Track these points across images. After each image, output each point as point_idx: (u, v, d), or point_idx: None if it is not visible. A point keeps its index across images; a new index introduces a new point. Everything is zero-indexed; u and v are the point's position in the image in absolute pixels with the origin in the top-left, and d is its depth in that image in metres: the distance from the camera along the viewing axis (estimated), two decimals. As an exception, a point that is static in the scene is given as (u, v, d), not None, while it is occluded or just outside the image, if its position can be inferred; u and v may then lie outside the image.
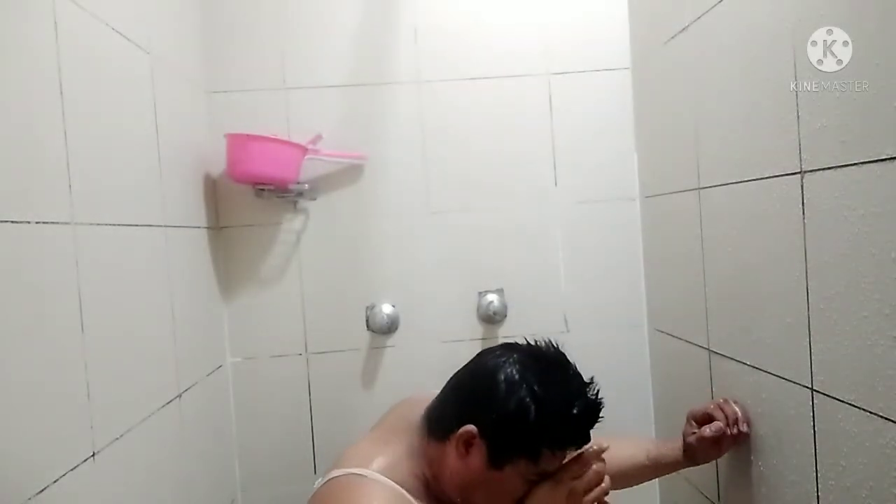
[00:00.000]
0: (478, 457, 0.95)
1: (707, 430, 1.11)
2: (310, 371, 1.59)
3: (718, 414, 1.13)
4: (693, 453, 1.15)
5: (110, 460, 0.95)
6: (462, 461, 0.96)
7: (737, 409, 1.13)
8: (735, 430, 1.11)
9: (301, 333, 1.59)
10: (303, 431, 1.59)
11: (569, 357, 1.04)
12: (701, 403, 1.18)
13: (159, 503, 1.13)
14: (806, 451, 0.98)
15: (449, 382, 1.05)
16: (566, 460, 0.99)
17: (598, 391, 1.00)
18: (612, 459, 1.15)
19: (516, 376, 0.96)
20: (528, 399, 0.94)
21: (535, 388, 0.95)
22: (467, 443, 0.96)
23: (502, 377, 0.96)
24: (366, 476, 0.94)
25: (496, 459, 0.95)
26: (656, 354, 1.60)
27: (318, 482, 1.00)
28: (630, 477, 1.20)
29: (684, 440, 1.16)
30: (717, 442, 1.12)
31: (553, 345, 1.03)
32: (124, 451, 1.00)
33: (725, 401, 1.16)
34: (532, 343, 1.03)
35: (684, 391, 1.43)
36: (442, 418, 1.00)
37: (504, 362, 0.98)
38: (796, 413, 0.99)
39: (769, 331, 1.06)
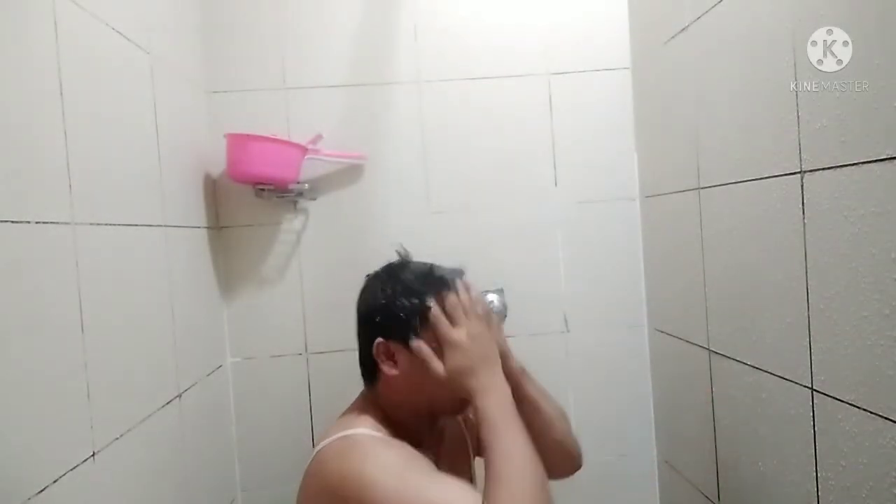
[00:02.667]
0: (402, 357, 1.04)
1: None
2: (310, 371, 1.59)
3: None
4: None
5: (110, 460, 0.95)
6: (399, 369, 1.04)
7: None
8: None
9: (301, 333, 1.59)
10: (303, 431, 1.59)
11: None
12: None
13: (159, 503, 1.13)
14: (806, 451, 0.98)
15: None
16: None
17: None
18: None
19: (373, 282, 1.12)
20: (385, 287, 1.08)
21: (385, 279, 1.10)
22: (387, 354, 1.05)
23: (363, 297, 1.12)
24: (357, 432, 1.01)
25: (409, 346, 1.03)
26: (656, 354, 1.60)
27: (315, 452, 1.05)
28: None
29: None
30: None
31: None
32: (124, 451, 1.00)
33: None
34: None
35: (684, 391, 1.43)
36: (362, 363, 1.10)
37: (360, 292, 1.13)
38: (796, 413, 0.99)
39: (769, 331, 1.06)
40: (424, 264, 1.11)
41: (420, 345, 1.02)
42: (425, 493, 0.89)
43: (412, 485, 0.90)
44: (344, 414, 1.11)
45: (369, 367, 1.09)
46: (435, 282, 1.06)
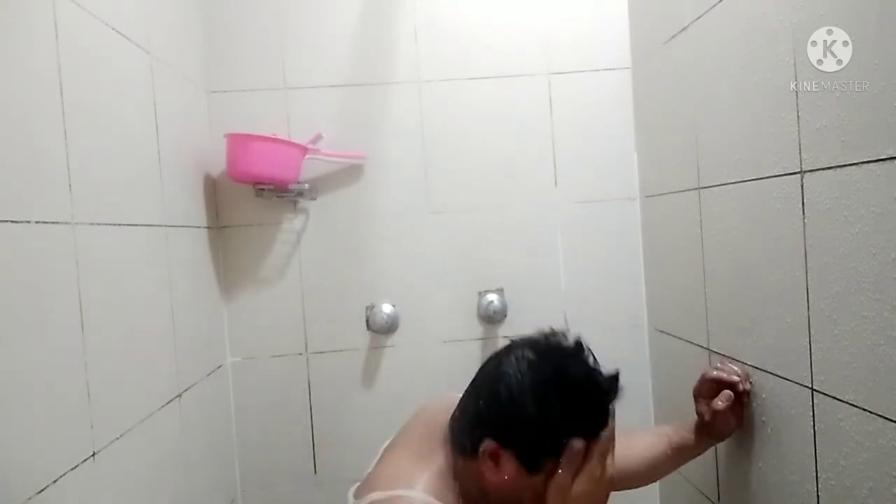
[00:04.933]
0: (510, 467, 0.88)
1: (719, 403, 1.10)
2: (310, 371, 1.59)
3: (722, 375, 1.12)
4: (711, 430, 1.13)
5: (110, 460, 0.95)
6: (498, 475, 0.89)
7: (734, 367, 1.13)
8: (744, 387, 1.10)
9: (301, 333, 1.59)
10: (303, 431, 1.59)
11: (572, 337, 0.98)
12: (699, 378, 1.16)
13: (159, 503, 1.13)
14: (806, 451, 0.97)
15: (466, 391, 0.99)
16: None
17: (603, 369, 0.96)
18: (635, 454, 1.16)
19: (520, 377, 0.90)
20: (521, 386, 0.89)
21: (542, 383, 0.89)
22: (493, 456, 0.89)
23: (507, 382, 0.90)
24: (414, 498, 0.87)
25: (530, 464, 0.88)
26: (656, 354, 1.60)
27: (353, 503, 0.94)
28: (656, 468, 1.19)
29: (702, 420, 1.14)
30: (731, 411, 1.11)
31: (555, 332, 0.97)
32: (124, 451, 1.00)
33: (722, 362, 1.16)
34: (535, 336, 0.97)
35: (684, 391, 1.42)
36: (463, 432, 0.94)
37: (506, 364, 0.92)
38: (796, 413, 0.99)
39: (769, 331, 1.06)
40: (588, 371, 0.93)
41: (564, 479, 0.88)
42: None
43: None
44: (412, 453, 0.96)
45: (467, 443, 0.91)
46: (596, 411, 0.91)
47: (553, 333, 0.96)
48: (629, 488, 1.21)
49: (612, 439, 0.92)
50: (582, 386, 0.90)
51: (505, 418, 0.89)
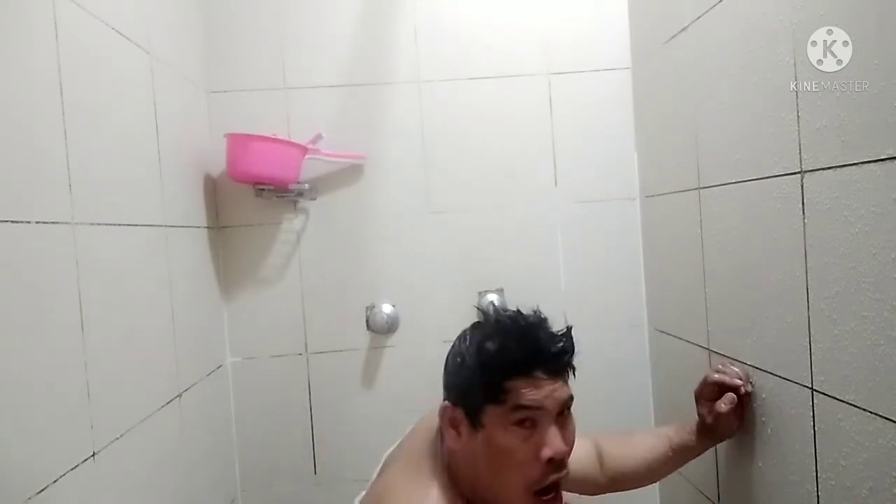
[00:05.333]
0: (464, 428, 0.91)
1: (722, 406, 1.09)
2: (310, 371, 1.59)
3: (725, 379, 1.12)
4: (713, 432, 1.14)
5: (110, 460, 0.95)
6: (458, 443, 0.92)
7: (736, 368, 1.13)
8: (745, 390, 1.10)
9: (301, 333, 1.59)
10: (303, 431, 1.59)
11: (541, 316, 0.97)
12: (700, 380, 1.16)
13: (159, 503, 1.13)
14: (806, 451, 0.97)
15: None
16: (540, 394, 0.90)
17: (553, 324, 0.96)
18: (636, 456, 1.17)
19: (460, 339, 0.97)
20: (464, 347, 0.94)
21: (470, 336, 0.95)
22: (451, 421, 0.93)
23: (452, 347, 0.98)
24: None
25: (473, 420, 0.90)
26: (656, 354, 1.60)
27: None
28: (656, 470, 1.19)
29: (703, 422, 1.14)
30: (734, 413, 1.11)
31: (509, 309, 0.98)
32: (124, 451, 1.00)
33: (724, 364, 1.15)
34: (496, 313, 0.99)
35: (684, 391, 1.42)
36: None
37: (458, 338, 0.98)
38: (796, 413, 0.99)
39: (769, 331, 1.06)
40: (516, 321, 0.94)
41: (495, 429, 0.89)
42: None
43: None
44: (414, 457, 0.98)
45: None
46: (525, 352, 0.91)
47: (508, 311, 0.98)
48: (630, 489, 1.21)
49: (521, 415, 0.88)
50: (505, 333, 0.93)
51: (449, 376, 0.96)
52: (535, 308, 0.96)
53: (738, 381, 1.10)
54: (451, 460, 0.95)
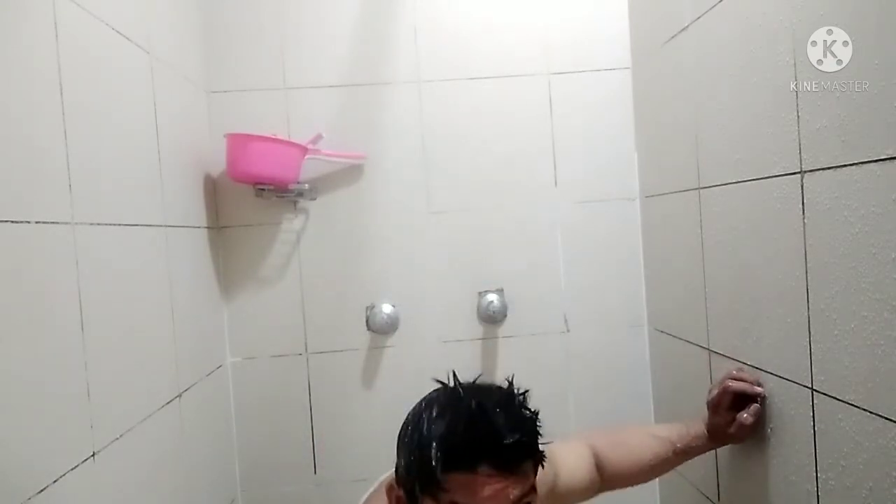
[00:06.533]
0: None
1: (749, 418, 1.06)
2: (310, 371, 1.59)
3: (746, 388, 1.08)
4: (731, 439, 1.12)
5: (110, 460, 0.95)
6: None
7: (752, 376, 1.10)
8: (763, 395, 1.07)
9: (301, 333, 1.59)
10: (303, 431, 1.59)
11: (503, 385, 0.86)
12: (714, 388, 1.12)
13: (159, 503, 1.13)
14: (806, 451, 0.97)
15: None
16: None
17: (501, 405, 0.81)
18: (636, 460, 1.15)
19: (418, 405, 0.86)
20: (415, 419, 0.83)
21: (424, 406, 0.84)
22: (396, 501, 0.86)
23: (409, 413, 0.87)
24: None
25: None
26: (656, 354, 1.60)
27: None
28: (656, 472, 1.18)
29: (721, 430, 1.11)
30: (755, 422, 1.08)
31: (478, 386, 0.86)
32: (124, 451, 1.00)
33: (739, 370, 1.13)
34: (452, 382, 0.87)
35: (684, 391, 1.43)
36: None
37: (420, 402, 0.87)
38: (796, 413, 0.99)
39: (769, 331, 1.06)
40: (465, 406, 0.80)
41: None
42: None
43: None
44: None
45: None
46: (460, 450, 0.77)
47: (474, 383, 0.86)
48: (627, 487, 1.21)
49: None
50: (418, 436, 0.81)
51: (397, 449, 0.86)
52: (511, 380, 0.84)
53: (759, 389, 1.07)
54: None
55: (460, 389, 0.83)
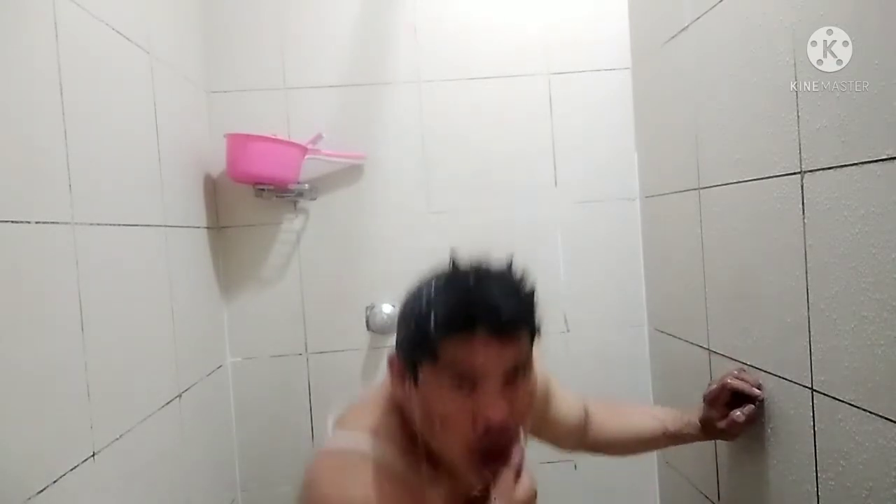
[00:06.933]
0: (408, 383, 0.84)
1: (741, 417, 1.08)
2: (310, 371, 1.59)
3: (744, 387, 1.09)
4: (722, 435, 1.13)
5: (110, 460, 0.95)
6: (403, 396, 0.86)
7: (752, 377, 1.11)
8: (762, 398, 1.08)
9: (301, 333, 1.59)
10: (303, 431, 1.59)
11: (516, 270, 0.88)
12: (714, 383, 1.13)
13: (159, 503, 1.13)
14: (806, 451, 0.98)
15: None
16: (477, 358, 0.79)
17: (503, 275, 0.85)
18: (626, 432, 1.18)
19: (417, 285, 0.87)
20: (415, 294, 0.86)
21: (425, 283, 0.86)
22: (397, 372, 0.87)
23: (408, 292, 0.89)
24: (353, 455, 0.83)
25: (413, 376, 0.83)
26: (656, 354, 1.60)
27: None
28: (641, 449, 1.21)
29: (713, 424, 1.12)
30: (748, 421, 1.09)
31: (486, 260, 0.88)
32: (124, 451, 1.00)
33: (742, 370, 1.13)
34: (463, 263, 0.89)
35: (684, 391, 1.43)
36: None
37: (414, 286, 0.89)
38: (796, 413, 0.99)
39: (769, 331, 1.06)
40: (464, 273, 0.85)
41: (431, 386, 0.81)
42: None
43: None
44: (365, 402, 0.93)
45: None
46: (457, 309, 0.80)
47: (481, 262, 0.87)
48: (610, 455, 1.23)
49: (456, 378, 0.79)
50: (418, 306, 0.83)
51: (397, 328, 0.88)
52: (514, 261, 0.86)
53: (757, 391, 1.08)
54: (405, 410, 0.88)
55: (460, 265, 0.85)
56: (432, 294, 0.83)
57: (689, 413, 1.18)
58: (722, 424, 1.11)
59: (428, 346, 0.80)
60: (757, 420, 1.11)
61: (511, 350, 0.80)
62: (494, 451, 0.81)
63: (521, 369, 0.82)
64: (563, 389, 1.14)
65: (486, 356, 0.78)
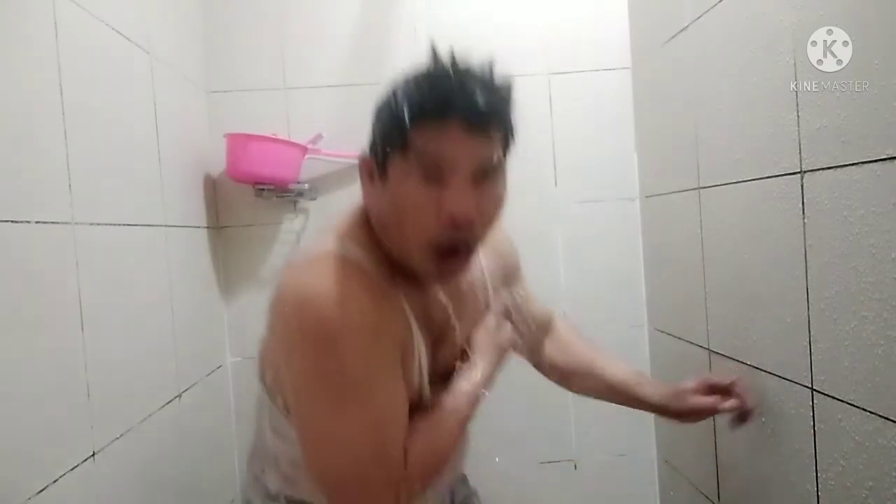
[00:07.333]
0: (373, 178, 0.84)
1: (703, 403, 1.06)
2: (310, 371, 1.59)
3: (725, 386, 1.07)
4: (670, 412, 1.10)
5: (110, 460, 0.95)
6: (369, 194, 0.86)
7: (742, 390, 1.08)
8: (737, 400, 1.06)
9: (301, 333, 1.58)
10: (303, 431, 1.59)
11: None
12: (702, 380, 1.10)
13: (159, 503, 1.13)
14: (806, 451, 0.97)
15: None
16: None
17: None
18: (591, 356, 1.16)
19: (390, 85, 0.86)
20: (386, 94, 0.85)
21: (394, 85, 0.85)
22: (367, 171, 0.86)
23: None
24: (324, 254, 0.82)
25: (382, 168, 0.82)
26: (656, 354, 1.60)
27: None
28: (594, 383, 1.15)
29: (673, 405, 1.08)
30: (705, 413, 1.07)
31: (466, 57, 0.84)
32: (124, 451, 1.00)
33: (741, 380, 1.09)
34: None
35: (684, 391, 1.42)
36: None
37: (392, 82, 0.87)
38: (796, 413, 0.99)
39: (769, 331, 1.06)
40: (405, 84, 0.84)
41: (400, 177, 0.79)
42: (351, 393, 0.75)
43: (349, 381, 0.75)
44: (334, 222, 0.90)
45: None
46: (429, 94, 0.79)
47: (460, 59, 0.83)
48: (563, 385, 1.19)
49: (425, 167, 0.77)
50: (392, 99, 0.82)
51: (371, 127, 0.87)
52: (494, 62, 0.83)
53: (733, 403, 1.06)
54: (369, 212, 0.87)
55: (439, 58, 0.83)
56: (410, 84, 0.82)
57: (659, 384, 1.14)
58: (681, 404, 1.07)
59: (401, 134, 0.78)
60: (721, 412, 1.08)
61: (483, 146, 0.78)
62: (454, 248, 0.80)
63: (491, 170, 0.80)
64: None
65: (458, 147, 0.77)
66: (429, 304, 0.88)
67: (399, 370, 0.81)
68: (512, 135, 0.83)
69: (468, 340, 0.93)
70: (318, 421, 0.78)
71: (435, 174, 0.77)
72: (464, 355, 0.91)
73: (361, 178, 0.87)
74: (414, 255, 0.80)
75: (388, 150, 0.80)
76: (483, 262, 0.98)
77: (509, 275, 1.07)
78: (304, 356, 0.76)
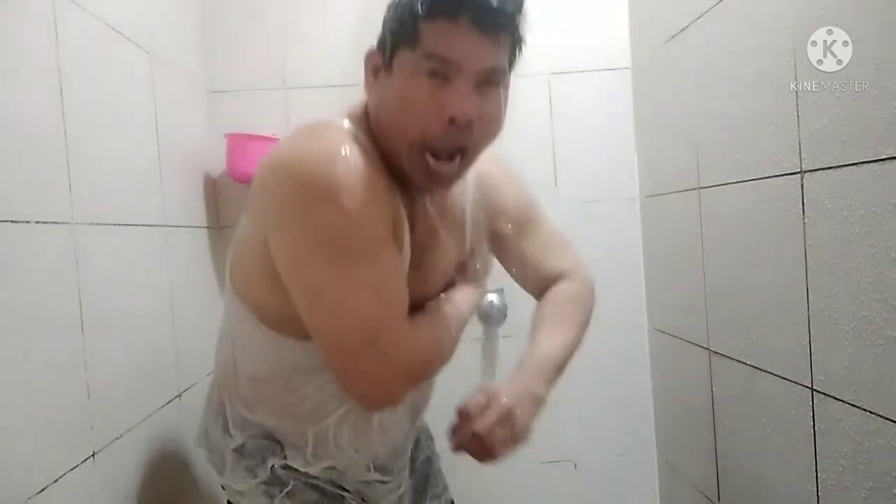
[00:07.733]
0: (378, 73, 0.84)
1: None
2: (310, 371, 1.59)
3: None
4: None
5: (110, 460, 0.95)
6: (371, 88, 0.86)
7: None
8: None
9: (301, 333, 1.58)
10: (303, 431, 1.59)
11: None
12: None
13: (159, 503, 1.13)
14: (806, 451, 0.98)
15: None
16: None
17: None
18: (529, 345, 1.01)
19: None
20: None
21: None
22: (372, 66, 0.86)
23: None
24: (327, 122, 0.83)
25: (388, 63, 0.82)
26: (656, 354, 1.60)
27: None
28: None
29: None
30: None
31: None
32: (124, 451, 1.00)
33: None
34: None
35: (684, 391, 1.43)
36: None
37: None
38: (796, 413, 0.99)
39: (769, 331, 1.06)
40: None
41: (405, 71, 0.79)
42: (346, 261, 0.73)
43: (344, 248, 0.73)
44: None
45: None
46: (404, 19, 0.79)
47: None
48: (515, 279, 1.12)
49: (432, 65, 0.77)
50: None
51: (383, 22, 0.86)
52: None
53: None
54: (369, 110, 0.87)
55: None
56: None
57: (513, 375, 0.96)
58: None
59: (412, 29, 0.78)
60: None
61: (491, 49, 0.79)
62: (448, 149, 0.80)
63: (496, 75, 0.80)
64: (556, 236, 1.10)
65: (467, 46, 0.77)
66: (415, 217, 0.86)
67: (393, 242, 0.79)
68: (519, 46, 0.84)
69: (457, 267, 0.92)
70: (323, 283, 0.75)
71: (440, 72, 0.77)
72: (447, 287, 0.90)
73: (366, 73, 0.87)
74: (409, 154, 0.79)
75: (397, 44, 0.80)
76: (475, 195, 0.99)
77: (501, 212, 1.06)
78: (302, 216, 0.74)
